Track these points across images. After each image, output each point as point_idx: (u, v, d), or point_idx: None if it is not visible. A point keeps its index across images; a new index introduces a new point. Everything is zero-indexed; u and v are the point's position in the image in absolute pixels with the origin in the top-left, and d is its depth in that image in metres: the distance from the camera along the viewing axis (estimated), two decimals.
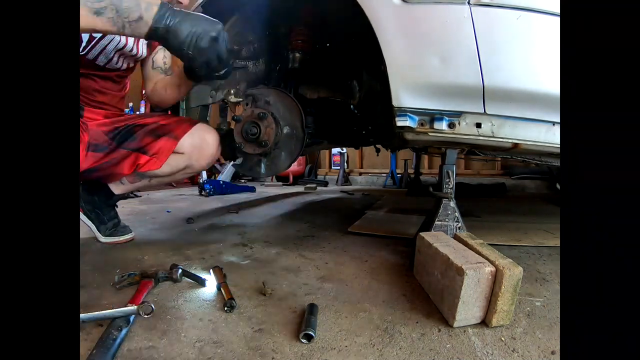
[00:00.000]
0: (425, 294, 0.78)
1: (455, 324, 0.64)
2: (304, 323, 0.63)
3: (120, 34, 0.74)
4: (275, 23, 1.39)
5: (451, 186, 1.00)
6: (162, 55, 1.24)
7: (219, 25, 0.80)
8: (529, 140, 0.91)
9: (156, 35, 0.75)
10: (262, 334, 0.62)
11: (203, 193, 2.88)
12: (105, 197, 1.23)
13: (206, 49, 0.78)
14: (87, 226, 1.22)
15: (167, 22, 0.73)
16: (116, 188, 1.22)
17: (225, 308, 0.71)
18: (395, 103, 0.90)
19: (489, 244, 0.77)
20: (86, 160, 1.03)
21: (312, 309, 0.68)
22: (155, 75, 1.23)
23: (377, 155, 2.32)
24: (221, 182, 3.05)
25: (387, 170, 4.25)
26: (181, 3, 1.04)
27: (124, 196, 1.30)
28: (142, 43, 1.16)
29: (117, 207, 1.30)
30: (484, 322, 0.65)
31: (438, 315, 0.69)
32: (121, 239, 1.24)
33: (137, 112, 3.61)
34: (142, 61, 1.23)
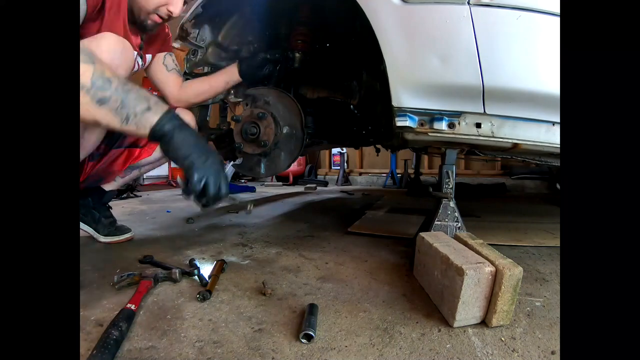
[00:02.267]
0: (425, 294, 0.78)
1: (455, 324, 0.64)
2: (304, 323, 0.63)
3: (121, 130, 0.65)
4: (275, 23, 1.39)
5: (451, 186, 1.00)
6: (171, 59, 1.23)
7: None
8: (529, 140, 0.90)
9: (159, 137, 0.68)
10: (262, 334, 0.62)
11: None
12: (99, 196, 1.25)
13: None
14: (84, 231, 1.23)
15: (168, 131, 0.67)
16: (108, 184, 1.26)
17: (197, 296, 0.75)
18: (395, 103, 0.90)
19: (489, 244, 0.77)
20: (86, 171, 1.09)
21: (312, 309, 0.68)
22: (174, 77, 1.23)
23: (377, 155, 2.32)
24: None
25: (387, 170, 4.25)
26: (171, 13, 0.99)
27: (116, 193, 1.32)
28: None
29: (110, 207, 1.32)
30: (484, 322, 0.65)
31: (438, 315, 0.69)
32: (121, 238, 1.25)
33: None
34: (147, 69, 1.21)
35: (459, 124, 0.90)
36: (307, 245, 1.22)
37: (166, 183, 4.27)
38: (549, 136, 0.90)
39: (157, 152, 1.18)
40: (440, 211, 0.99)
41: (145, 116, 0.65)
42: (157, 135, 0.66)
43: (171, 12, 1.00)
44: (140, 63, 1.11)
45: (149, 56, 1.17)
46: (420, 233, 0.86)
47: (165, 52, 1.22)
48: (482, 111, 0.88)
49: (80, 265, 0.97)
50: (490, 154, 1.15)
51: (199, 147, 0.70)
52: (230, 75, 1.21)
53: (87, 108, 0.61)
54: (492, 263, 0.64)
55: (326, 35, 1.37)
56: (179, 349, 0.57)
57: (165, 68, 1.22)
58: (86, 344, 0.58)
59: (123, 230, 1.28)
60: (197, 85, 1.25)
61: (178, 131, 0.68)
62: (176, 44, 1.30)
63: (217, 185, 0.71)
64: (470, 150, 1.08)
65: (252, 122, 1.20)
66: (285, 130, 1.22)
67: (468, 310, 0.63)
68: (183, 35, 1.30)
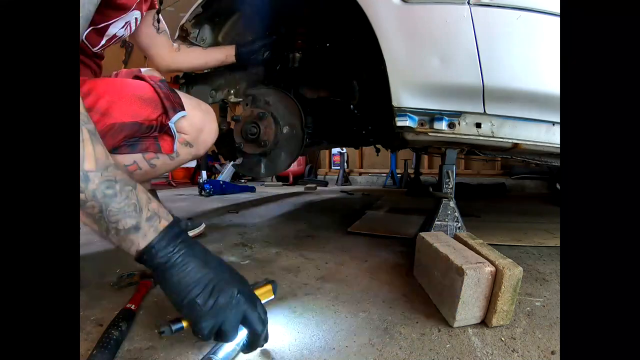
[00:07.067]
0: (425, 294, 0.78)
1: (455, 324, 0.64)
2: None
3: (103, 238, 0.49)
4: (276, 23, 1.39)
5: (451, 186, 1.00)
6: (162, 20, 1.12)
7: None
8: (529, 140, 0.91)
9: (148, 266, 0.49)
10: None
11: (203, 193, 2.88)
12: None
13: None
14: None
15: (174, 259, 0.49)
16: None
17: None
18: (395, 103, 0.90)
19: (489, 244, 0.77)
20: None
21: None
22: (164, 40, 1.15)
23: (377, 155, 2.31)
24: (221, 182, 3.06)
25: (387, 170, 4.25)
26: (160, 22, 1.04)
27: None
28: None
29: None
30: (484, 322, 0.65)
31: (438, 315, 0.69)
32: (197, 230, 1.36)
33: None
34: (135, 33, 1.07)
35: (459, 124, 0.90)
36: (307, 245, 1.22)
37: (166, 183, 4.27)
38: (549, 136, 0.90)
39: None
40: (440, 211, 0.99)
41: (130, 237, 0.47)
42: (145, 264, 0.48)
43: (159, 22, 1.02)
44: (133, 24, 0.93)
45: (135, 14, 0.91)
46: (420, 233, 0.86)
47: (155, 10, 1.06)
48: (482, 111, 0.88)
49: (80, 265, 0.97)
50: (490, 154, 1.15)
51: (210, 284, 0.50)
52: (226, 55, 1.25)
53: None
54: (492, 263, 0.64)
55: (326, 35, 1.37)
56: (179, 349, 0.57)
57: (155, 30, 1.10)
58: (86, 344, 0.58)
59: (196, 224, 1.36)
60: (192, 56, 1.23)
61: (176, 267, 0.48)
62: (175, 44, 1.30)
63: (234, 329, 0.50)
64: (470, 150, 1.08)
65: (252, 122, 1.20)
66: (285, 130, 1.22)
67: (468, 310, 0.63)
68: (183, 36, 1.30)
